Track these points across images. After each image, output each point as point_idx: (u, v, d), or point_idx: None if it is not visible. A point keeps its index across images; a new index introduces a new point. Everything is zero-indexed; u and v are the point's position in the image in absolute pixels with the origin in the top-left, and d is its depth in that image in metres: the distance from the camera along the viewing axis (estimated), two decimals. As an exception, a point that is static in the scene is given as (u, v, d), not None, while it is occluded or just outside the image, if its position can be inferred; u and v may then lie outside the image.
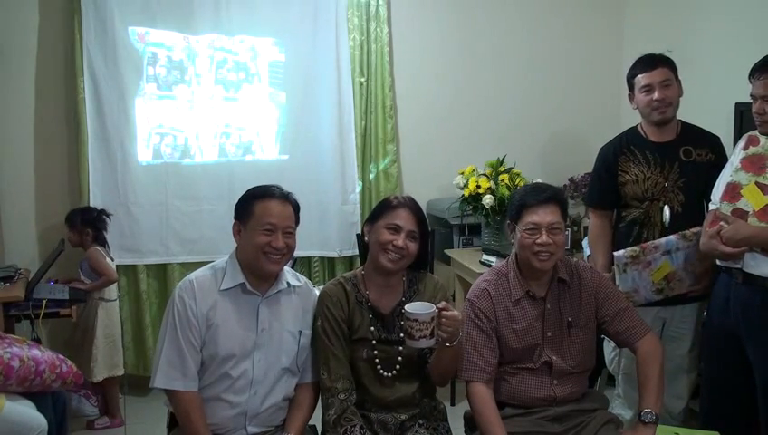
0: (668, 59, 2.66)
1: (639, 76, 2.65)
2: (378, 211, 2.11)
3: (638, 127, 2.74)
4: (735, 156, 2.37)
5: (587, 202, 3.01)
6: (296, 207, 2.03)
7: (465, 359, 2.05)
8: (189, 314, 1.93)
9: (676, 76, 2.65)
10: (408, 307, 1.89)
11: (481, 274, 3.49)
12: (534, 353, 2.08)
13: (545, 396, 2.08)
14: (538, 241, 2.01)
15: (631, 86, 2.71)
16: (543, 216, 2.03)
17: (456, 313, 1.90)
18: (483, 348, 2.06)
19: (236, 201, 2.03)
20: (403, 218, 2.05)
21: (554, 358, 2.08)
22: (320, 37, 3.97)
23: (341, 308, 2.07)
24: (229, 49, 3.91)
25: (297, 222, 2.03)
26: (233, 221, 2.03)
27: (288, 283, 2.06)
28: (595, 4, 4.44)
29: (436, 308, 1.88)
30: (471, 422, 2.16)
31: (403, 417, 2.07)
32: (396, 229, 2.04)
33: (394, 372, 2.06)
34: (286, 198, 2.00)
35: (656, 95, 2.59)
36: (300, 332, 2.06)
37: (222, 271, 2.00)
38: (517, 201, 2.11)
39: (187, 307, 1.94)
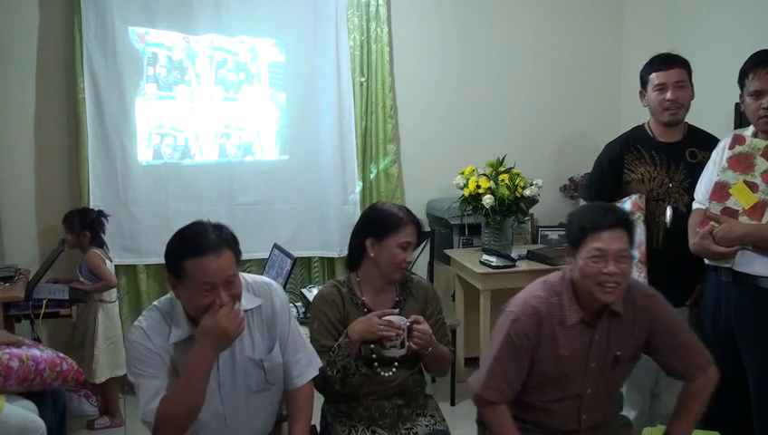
0: (685, 60, 2.62)
1: (654, 74, 2.62)
2: (383, 228, 2.09)
3: (646, 126, 2.72)
4: (720, 155, 2.36)
5: (584, 196, 3.00)
6: (234, 246, 1.78)
7: (489, 376, 1.91)
8: (153, 353, 1.77)
9: (691, 78, 2.63)
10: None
11: (481, 274, 3.56)
12: (568, 382, 1.92)
13: (570, 429, 1.97)
14: (604, 271, 1.79)
15: (644, 83, 2.67)
16: (610, 242, 1.79)
17: (426, 327, 2.05)
18: (511, 370, 1.91)
19: (166, 249, 1.78)
20: (411, 234, 2.11)
21: (589, 391, 1.93)
22: (320, 37, 3.97)
23: (337, 309, 2.10)
24: (229, 49, 3.91)
25: (239, 259, 1.79)
26: (170, 274, 1.77)
27: (243, 310, 1.82)
28: (595, 4, 4.44)
29: (408, 322, 2.04)
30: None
31: (399, 402, 2.13)
32: (406, 247, 2.09)
33: (392, 372, 2.12)
34: (219, 246, 1.73)
35: (669, 95, 2.57)
36: (261, 360, 1.89)
37: (169, 317, 1.82)
38: (579, 225, 1.87)
39: (150, 348, 1.77)
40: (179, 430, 1.75)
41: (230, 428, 1.88)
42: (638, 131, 2.73)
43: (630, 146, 2.68)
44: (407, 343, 2.04)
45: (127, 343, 1.83)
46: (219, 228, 1.79)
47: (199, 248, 1.71)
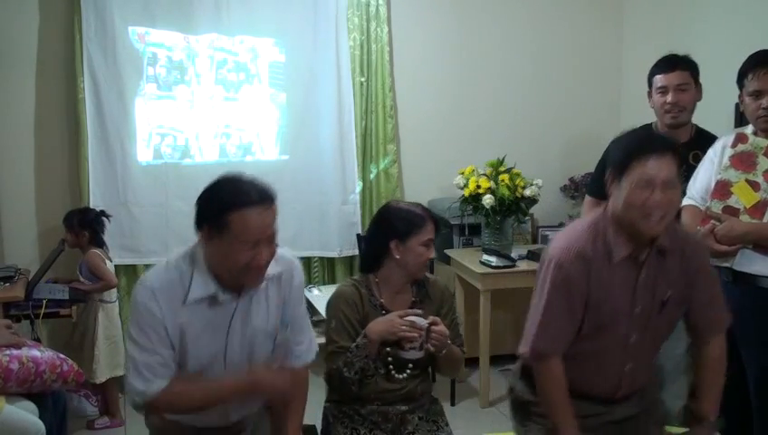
0: (690, 61, 2.63)
1: (657, 76, 2.64)
2: (407, 228, 2.06)
3: (653, 126, 2.73)
4: (720, 153, 2.36)
5: (588, 191, 3.02)
6: (275, 200, 1.68)
7: (539, 328, 1.78)
8: (156, 320, 1.67)
9: (696, 80, 2.63)
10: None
11: (481, 274, 3.56)
12: (614, 326, 1.78)
13: (611, 385, 1.83)
14: (651, 200, 1.65)
15: (650, 84, 2.69)
16: (659, 169, 1.65)
17: (444, 329, 2.03)
18: (562, 319, 1.77)
19: (200, 197, 1.68)
20: (432, 231, 2.10)
21: (634, 338, 1.79)
22: (320, 37, 3.97)
23: (356, 310, 2.07)
24: (229, 49, 3.91)
25: (276, 214, 1.69)
26: (203, 226, 1.66)
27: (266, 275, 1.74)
28: (595, 4, 4.44)
29: (426, 323, 2.01)
30: (522, 408, 1.94)
31: (403, 408, 2.11)
32: (429, 244, 2.09)
33: (405, 374, 2.10)
34: (268, 198, 1.64)
35: (669, 98, 2.59)
36: (275, 331, 1.82)
37: (187, 276, 1.69)
38: (624, 150, 1.73)
39: (155, 313, 1.67)
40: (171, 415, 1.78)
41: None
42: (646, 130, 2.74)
43: None
44: (425, 345, 2.02)
45: (131, 301, 1.72)
46: (265, 187, 1.66)
47: (246, 200, 1.59)
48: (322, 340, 2.51)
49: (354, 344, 2.01)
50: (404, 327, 1.99)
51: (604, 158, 2.80)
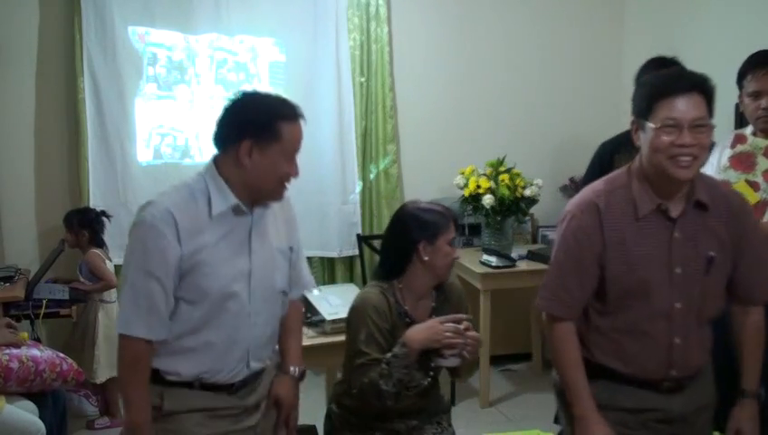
0: (677, 64, 2.46)
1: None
2: (434, 228, 1.99)
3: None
4: (721, 154, 2.36)
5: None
6: None
7: (549, 287, 1.70)
8: (158, 247, 1.59)
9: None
10: None
11: (481, 274, 3.56)
12: (651, 294, 1.63)
13: (659, 362, 1.66)
14: (678, 142, 1.54)
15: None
16: (686, 109, 1.53)
17: (477, 334, 1.96)
18: (572, 278, 1.66)
19: (245, 115, 1.69)
20: (454, 230, 2.04)
21: (679, 305, 1.63)
22: (320, 37, 3.98)
23: (385, 319, 1.96)
24: (229, 49, 3.91)
25: None
26: (243, 141, 1.65)
27: None
28: (595, 5, 4.45)
29: (462, 328, 1.92)
30: (562, 395, 1.79)
31: (414, 423, 2.06)
32: (452, 242, 2.03)
33: (427, 381, 2.03)
34: (301, 114, 1.71)
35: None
36: (290, 248, 1.83)
37: (202, 193, 1.67)
38: (648, 91, 1.61)
39: (163, 233, 1.59)
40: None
41: (253, 326, 1.74)
42: (630, 133, 2.73)
43: (621, 146, 2.69)
44: (462, 352, 1.94)
45: (133, 226, 1.63)
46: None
47: (295, 111, 1.68)
48: (321, 340, 2.52)
49: (391, 354, 1.89)
50: (448, 334, 1.90)
51: (592, 161, 2.82)
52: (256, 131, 1.65)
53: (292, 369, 1.86)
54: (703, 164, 1.60)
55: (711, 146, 1.85)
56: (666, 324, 1.64)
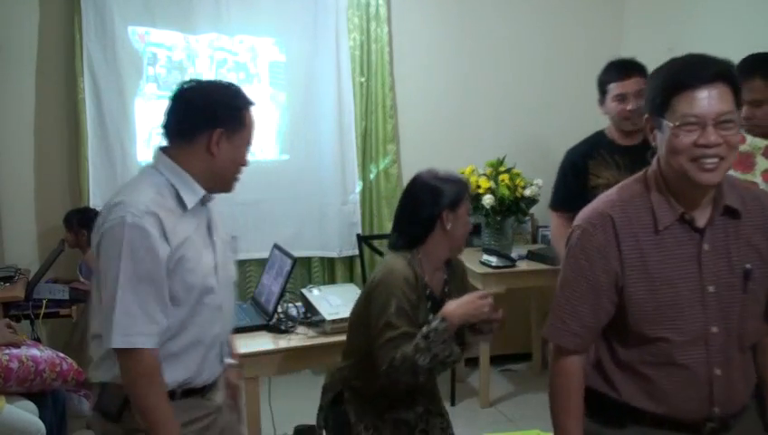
0: (642, 67, 2.68)
1: (613, 84, 2.72)
2: (456, 195, 1.98)
3: (606, 131, 2.79)
4: None
5: (550, 204, 2.97)
6: None
7: (555, 314, 1.48)
8: (159, 255, 1.51)
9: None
10: None
11: (481, 274, 3.56)
12: (681, 317, 1.38)
13: (700, 399, 1.41)
14: (701, 141, 1.30)
15: (603, 92, 2.79)
16: (708, 103, 1.30)
17: (503, 312, 1.94)
18: (579, 302, 1.43)
19: (215, 103, 1.63)
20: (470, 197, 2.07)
21: (715, 329, 1.39)
22: (320, 37, 3.97)
23: (414, 291, 1.90)
24: (229, 49, 3.90)
25: None
26: (215, 130, 1.61)
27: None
28: (595, 4, 4.44)
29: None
30: (590, 399, 1.50)
31: (420, 410, 2.05)
32: (469, 211, 2.04)
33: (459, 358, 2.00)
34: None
35: (630, 106, 2.64)
36: (233, 237, 1.83)
37: (166, 187, 1.60)
38: (663, 83, 1.37)
39: (155, 246, 1.50)
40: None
41: (224, 319, 1.71)
42: (600, 136, 2.81)
43: (593, 151, 2.72)
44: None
45: (109, 230, 1.51)
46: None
47: (250, 98, 1.72)
48: (321, 340, 2.51)
49: (432, 328, 1.81)
50: (486, 309, 1.86)
51: (562, 169, 2.81)
52: (227, 120, 1.63)
53: (235, 355, 1.88)
54: (730, 166, 1.37)
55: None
56: (702, 354, 1.39)
